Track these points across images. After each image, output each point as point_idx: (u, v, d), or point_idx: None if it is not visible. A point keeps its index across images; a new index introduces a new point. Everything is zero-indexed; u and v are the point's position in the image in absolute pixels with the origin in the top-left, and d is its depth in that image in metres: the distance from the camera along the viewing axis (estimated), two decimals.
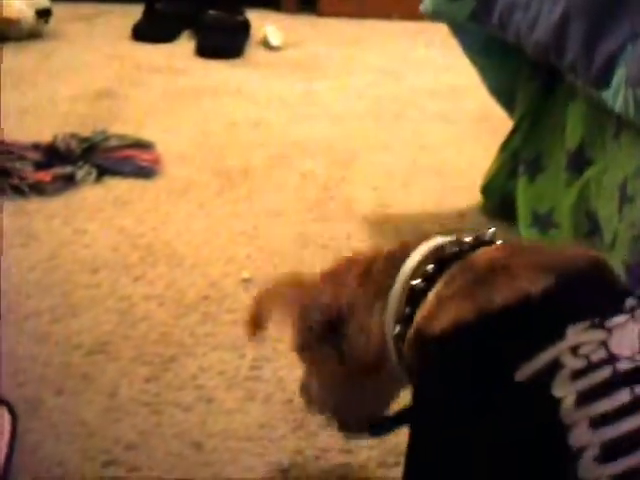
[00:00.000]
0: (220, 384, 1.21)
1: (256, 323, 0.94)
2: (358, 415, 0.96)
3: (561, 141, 1.47)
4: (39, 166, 1.79)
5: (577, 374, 0.66)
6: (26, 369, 1.22)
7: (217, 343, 1.30)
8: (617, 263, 1.21)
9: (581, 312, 0.70)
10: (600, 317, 0.69)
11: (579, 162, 1.41)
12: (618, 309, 0.70)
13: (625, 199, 1.24)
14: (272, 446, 1.10)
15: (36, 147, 1.85)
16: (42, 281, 1.44)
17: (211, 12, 2.87)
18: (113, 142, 1.89)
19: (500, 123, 1.75)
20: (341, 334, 0.86)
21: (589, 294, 0.73)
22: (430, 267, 0.80)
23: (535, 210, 1.53)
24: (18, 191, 1.73)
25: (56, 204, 1.71)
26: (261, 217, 1.69)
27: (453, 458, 0.71)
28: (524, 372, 0.67)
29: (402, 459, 0.77)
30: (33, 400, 1.16)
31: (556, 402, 0.65)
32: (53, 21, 2.81)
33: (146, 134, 2.00)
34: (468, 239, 0.82)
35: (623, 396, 0.64)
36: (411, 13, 2.39)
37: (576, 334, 0.68)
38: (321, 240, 1.61)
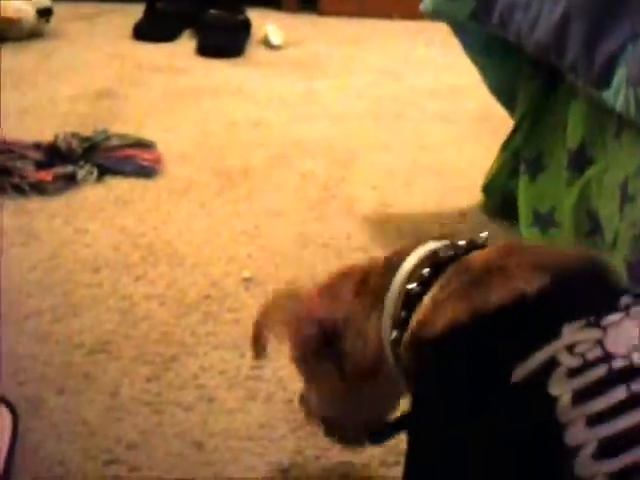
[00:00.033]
0: (221, 384, 1.21)
1: (258, 344, 0.95)
2: (357, 423, 0.97)
3: (562, 140, 1.47)
4: (40, 165, 1.79)
5: (573, 372, 0.66)
6: (27, 368, 1.22)
7: (218, 342, 1.30)
8: (618, 262, 1.21)
9: (576, 311, 0.70)
10: (595, 316, 0.69)
11: (580, 161, 1.41)
12: (613, 307, 0.70)
13: (626, 198, 1.24)
14: (273, 446, 1.10)
15: (37, 146, 1.85)
16: (43, 280, 1.44)
17: (212, 11, 2.87)
18: (114, 142, 1.90)
19: (501, 122, 1.75)
20: (337, 347, 0.87)
21: (584, 293, 0.73)
22: (426, 271, 0.80)
23: (536, 209, 1.53)
24: (19, 190, 1.73)
25: (57, 203, 1.71)
26: (262, 217, 1.69)
27: (451, 458, 0.71)
28: (520, 371, 0.68)
29: (403, 459, 0.77)
30: (34, 399, 1.16)
31: (552, 400, 0.66)
32: (54, 20, 2.81)
33: (147, 134, 2.00)
34: (462, 243, 0.83)
35: (619, 394, 0.64)
36: (411, 12, 2.38)
37: (572, 333, 0.68)
38: (321, 240, 1.61)
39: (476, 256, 0.79)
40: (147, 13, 2.94)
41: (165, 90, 2.38)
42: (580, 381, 0.66)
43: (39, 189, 1.73)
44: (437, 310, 0.76)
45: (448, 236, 0.88)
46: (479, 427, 0.69)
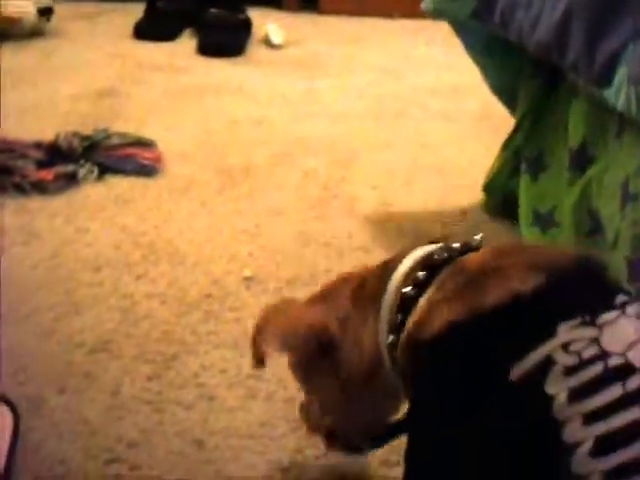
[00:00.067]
0: (222, 382, 1.21)
1: (257, 355, 0.95)
2: (358, 428, 0.97)
3: (563, 139, 1.47)
4: (41, 164, 1.79)
5: (569, 371, 0.67)
6: (28, 367, 1.22)
7: (219, 341, 1.30)
8: (619, 262, 1.21)
9: (572, 310, 0.70)
10: (591, 314, 0.70)
11: (581, 160, 1.40)
12: (609, 306, 0.71)
13: (627, 197, 1.24)
14: (273, 444, 1.10)
15: (38, 145, 1.86)
16: (44, 279, 1.44)
17: (212, 10, 2.87)
18: (115, 140, 1.90)
19: (502, 121, 1.75)
20: (334, 356, 0.87)
21: (580, 292, 0.73)
22: (421, 274, 0.81)
23: (536, 209, 1.53)
24: (20, 189, 1.73)
25: (58, 202, 1.71)
26: (263, 215, 1.69)
27: (449, 458, 0.71)
28: (517, 371, 0.68)
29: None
30: (35, 398, 1.16)
31: (549, 399, 0.66)
32: (55, 19, 2.81)
33: (148, 132, 2.00)
34: (457, 245, 0.83)
35: (615, 391, 0.65)
36: (412, 11, 2.38)
37: (567, 331, 0.69)
38: (323, 238, 1.61)
39: (471, 257, 0.80)
40: (148, 12, 2.94)
41: (166, 89, 2.38)
42: (576, 379, 0.66)
43: (40, 188, 1.74)
44: (433, 311, 0.76)
45: (449, 236, 0.88)
46: (477, 426, 0.69)
